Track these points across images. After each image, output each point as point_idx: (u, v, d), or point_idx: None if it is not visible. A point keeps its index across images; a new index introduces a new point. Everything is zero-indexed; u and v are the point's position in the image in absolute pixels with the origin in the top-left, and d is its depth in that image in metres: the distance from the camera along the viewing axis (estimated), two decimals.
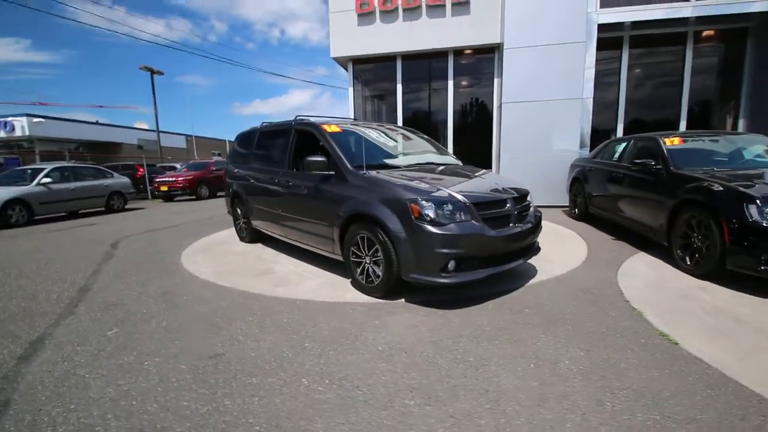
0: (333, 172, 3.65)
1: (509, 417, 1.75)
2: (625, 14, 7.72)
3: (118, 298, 3.49)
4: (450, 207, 2.97)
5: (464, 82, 9.40)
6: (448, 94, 9.28)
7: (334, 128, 4.04)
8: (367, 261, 3.36)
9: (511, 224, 3.26)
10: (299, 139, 4.41)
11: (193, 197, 14.30)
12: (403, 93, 9.55)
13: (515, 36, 7.99)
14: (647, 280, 3.63)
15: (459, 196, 3.05)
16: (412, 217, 2.95)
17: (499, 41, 8.52)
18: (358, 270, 3.46)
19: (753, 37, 7.87)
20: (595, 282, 3.57)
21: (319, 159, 3.63)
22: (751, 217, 3.15)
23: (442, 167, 4.10)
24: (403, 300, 3.24)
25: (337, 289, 3.58)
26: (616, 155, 5.69)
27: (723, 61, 8.34)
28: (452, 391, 1.96)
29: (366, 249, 3.34)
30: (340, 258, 3.70)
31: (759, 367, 2.11)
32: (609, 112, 8.78)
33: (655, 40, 8.40)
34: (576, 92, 7.85)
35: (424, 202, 2.95)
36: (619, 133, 8.66)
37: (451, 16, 8.66)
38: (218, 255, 5.00)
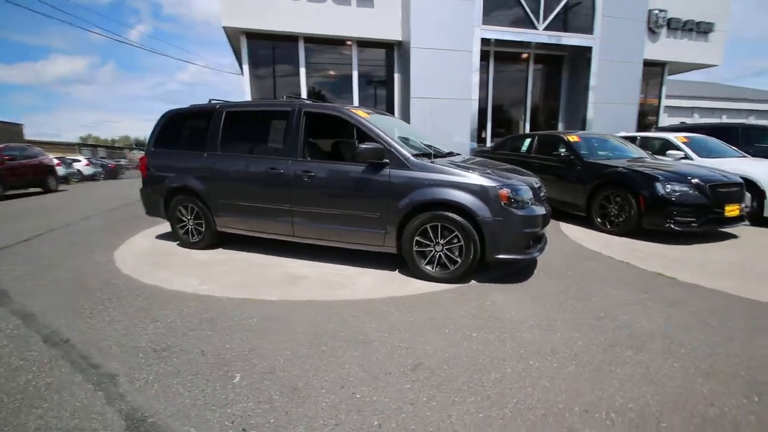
0: (387, 161, 3.47)
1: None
2: (493, 32, 9.41)
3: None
4: (524, 193, 3.35)
5: (368, 74, 9.63)
6: (353, 84, 9.35)
7: (365, 113, 3.79)
8: (438, 249, 3.41)
9: (544, 207, 3.88)
10: (310, 123, 3.90)
11: None
12: (307, 79, 9.08)
13: (420, 37, 8.70)
14: (594, 240, 4.90)
15: (524, 184, 3.45)
16: (502, 203, 3.20)
17: (399, 39, 9.11)
18: (424, 260, 3.47)
19: (567, 63, 10.88)
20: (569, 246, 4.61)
21: (376, 147, 3.40)
22: (659, 191, 4.69)
23: (459, 155, 4.39)
24: (473, 281, 3.46)
25: (398, 282, 3.48)
26: (524, 148, 7.11)
27: (549, 78, 11.21)
28: (614, 333, 2.42)
29: (438, 237, 3.38)
30: (391, 251, 3.60)
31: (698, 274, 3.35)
32: (481, 113, 10.61)
33: (508, 56, 10.58)
34: (467, 93, 9.21)
35: (510, 189, 3.24)
36: (489, 129, 10.60)
37: (356, 6, 8.72)
38: (194, 267, 3.92)
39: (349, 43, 9.18)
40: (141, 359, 2.22)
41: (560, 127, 11.19)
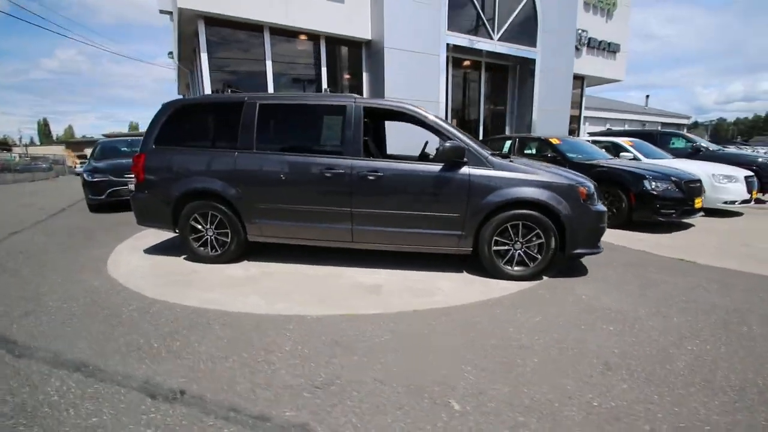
0: (466, 159, 3.38)
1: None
2: (457, 39, 9.81)
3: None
4: (594, 190, 3.55)
5: (338, 74, 9.26)
6: (323, 81, 8.91)
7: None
8: (518, 247, 3.44)
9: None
10: (366, 119, 3.61)
11: None
12: (274, 73, 8.38)
13: (394, 38, 8.63)
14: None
15: (592, 181, 3.65)
16: (581, 199, 3.35)
17: (369, 38, 8.95)
18: (503, 260, 3.46)
19: (511, 72, 11.82)
20: None
21: (458, 145, 3.30)
22: (647, 188, 5.38)
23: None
24: (545, 278, 3.56)
25: (478, 283, 3.43)
26: (505, 149, 7.54)
27: (497, 86, 12.04)
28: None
29: (518, 236, 3.41)
30: (465, 252, 3.53)
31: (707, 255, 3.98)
32: (441, 114, 10.96)
33: (463, 63, 11.11)
34: (435, 96, 9.43)
35: (586, 186, 3.41)
36: None
37: (327, 1, 8.33)
38: (237, 284, 3.33)
39: (318, 37, 8.72)
40: (311, 399, 1.82)
41: (507, 130, 12.11)
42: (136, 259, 4.12)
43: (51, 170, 26.11)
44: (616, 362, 2.15)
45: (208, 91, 7.72)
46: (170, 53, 12.04)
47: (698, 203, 5.62)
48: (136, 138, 9.70)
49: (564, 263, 3.74)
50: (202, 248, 3.90)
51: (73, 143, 53.42)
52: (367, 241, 3.64)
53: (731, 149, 10.46)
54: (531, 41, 10.84)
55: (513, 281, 3.43)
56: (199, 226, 3.86)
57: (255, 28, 8.05)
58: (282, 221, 3.69)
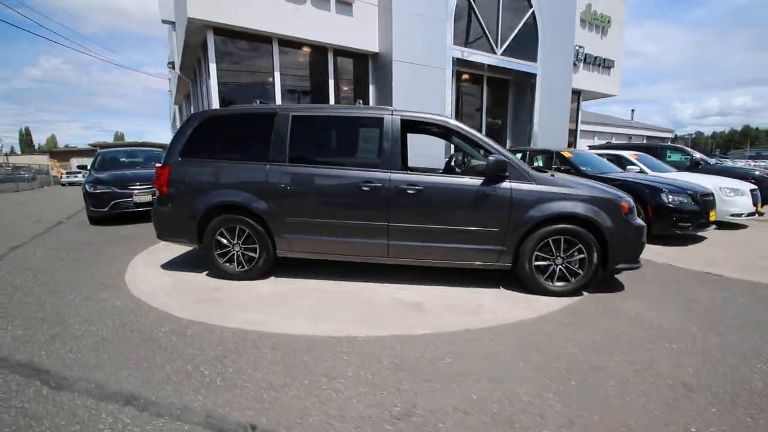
0: (508, 174, 3.33)
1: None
2: (463, 53, 9.93)
3: None
4: (634, 204, 3.53)
5: (344, 85, 9.23)
6: (330, 93, 8.86)
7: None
8: (559, 262, 3.39)
9: None
10: (401, 132, 3.54)
11: None
12: (282, 85, 8.30)
13: (402, 51, 8.66)
14: None
15: (630, 196, 3.63)
16: (623, 213, 3.32)
17: (377, 50, 8.97)
18: (543, 276, 3.40)
19: (512, 86, 11.99)
20: None
21: (501, 159, 3.24)
22: (665, 201, 5.42)
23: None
24: (584, 294, 3.50)
25: (520, 300, 3.34)
26: None
27: (498, 99, 12.19)
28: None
29: (560, 251, 3.35)
30: (504, 267, 3.46)
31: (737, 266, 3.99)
32: None
33: (466, 77, 11.23)
34: (441, 109, 9.46)
35: (627, 201, 3.39)
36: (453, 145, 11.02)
37: (335, 14, 8.34)
38: (270, 303, 3.18)
39: (325, 50, 8.69)
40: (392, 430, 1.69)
41: (508, 143, 12.23)
42: (155, 276, 3.92)
43: (35, 180, 25.31)
44: (695, 383, 2.09)
45: (215, 101, 7.59)
46: (170, 63, 11.86)
47: (712, 216, 5.69)
48: (137, 149, 9.45)
49: (603, 278, 3.69)
50: (228, 264, 3.74)
51: (58, 153, 52.04)
52: (403, 257, 3.54)
53: (728, 162, 10.73)
54: (532, 56, 11.03)
55: (553, 297, 3.37)
56: (225, 241, 3.70)
57: (264, 39, 7.98)
58: (314, 236, 3.57)
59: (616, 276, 3.92)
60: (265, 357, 2.34)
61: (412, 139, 5.56)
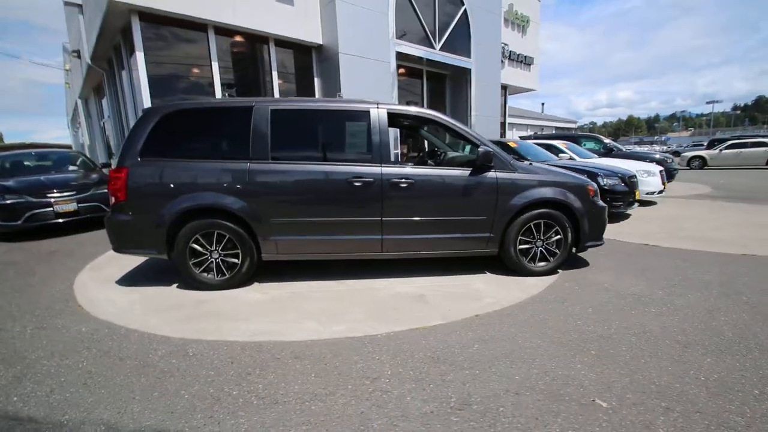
0: (493, 164, 3.49)
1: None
2: (404, 47, 10.08)
3: None
4: (597, 188, 3.91)
5: (288, 78, 8.81)
6: (274, 85, 8.43)
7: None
8: (539, 245, 3.66)
9: None
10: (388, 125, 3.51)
11: None
12: (222, 77, 7.68)
13: (348, 44, 8.53)
14: None
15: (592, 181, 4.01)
16: (591, 196, 3.68)
17: (320, 42, 8.73)
18: (526, 258, 3.65)
19: (449, 80, 12.48)
20: None
21: (488, 150, 3.38)
22: (600, 184, 6.10)
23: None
24: (560, 272, 3.83)
25: (511, 283, 3.55)
26: (467, 151, 7.91)
27: (436, 93, 12.59)
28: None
29: (540, 234, 3.62)
30: (491, 253, 3.64)
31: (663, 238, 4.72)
32: None
33: (406, 71, 11.43)
34: (389, 101, 9.52)
35: (592, 185, 3.75)
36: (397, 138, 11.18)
37: (276, 1, 7.93)
38: (268, 311, 2.97)
39: (267, 39, 8.23)
40: (464, 424, 1.71)
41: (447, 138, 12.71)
42: (116, 294, 3.43)
43: None
44: (685, 340, 2.41)
45: (145, 94, 6.79)
46: (75, 52, 10.26)
47: (637, 195, 6.54)
48: (43, 150, 8.08)
49: (573, 255, 4.05)
50: (205, 273, 3.41)
51: None
52: (397, 250, 3.54)
53: (635, 148, 12.32)
54: (466, 52, 11.59)
55: (537, 277, 3.63)
56: (201, 249, 3.37)
57: (198, 26, 7.32)
58: (303, 236, 3.40)
59: (579, 254, 4.34)
60: (292, 367, 2.20)
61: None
